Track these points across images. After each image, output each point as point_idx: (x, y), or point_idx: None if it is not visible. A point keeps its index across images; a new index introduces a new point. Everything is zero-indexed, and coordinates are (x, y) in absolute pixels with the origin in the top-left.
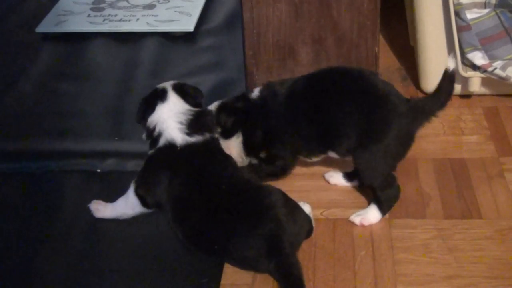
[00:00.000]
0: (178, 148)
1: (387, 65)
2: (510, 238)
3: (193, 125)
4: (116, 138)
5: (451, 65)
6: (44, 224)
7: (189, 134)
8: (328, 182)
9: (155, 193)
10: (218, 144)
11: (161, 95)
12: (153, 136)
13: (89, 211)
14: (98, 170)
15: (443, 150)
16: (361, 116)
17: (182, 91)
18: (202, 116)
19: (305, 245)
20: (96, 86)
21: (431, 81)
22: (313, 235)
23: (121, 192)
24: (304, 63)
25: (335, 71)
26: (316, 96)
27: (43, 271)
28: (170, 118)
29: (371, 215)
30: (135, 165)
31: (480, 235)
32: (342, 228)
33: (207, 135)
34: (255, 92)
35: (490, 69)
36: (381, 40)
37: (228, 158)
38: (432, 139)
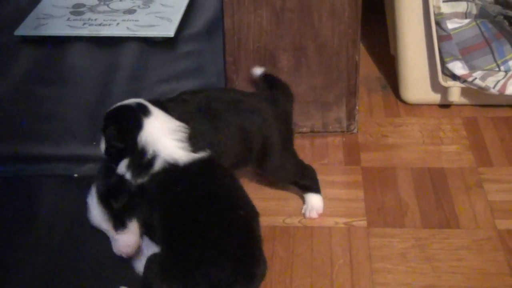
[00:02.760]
0: (181, 168)
1: (367, 74)
2: (488, 249)
3: (193, 140)
4: (94, 143)
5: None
6: (20, 229)
7: (192, 150)
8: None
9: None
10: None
11: (142, 110)
12: (143, 160)
13: (65, 216)
14: (75, 175)
15: (422, 160)
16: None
17: (160, 105)
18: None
19: (282, 252)
20: (75, 90)
21: (411, 90)
22: (291, 242)
23: None
24: (285, 70)
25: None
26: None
27: (18, 278)
28: (166, 136)
29: (315, 202)
30: None
31: (458, 245)
32: (320, 236)
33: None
34: None
35: (470, 79)
36: (362, 48)
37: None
38: (411, 148)
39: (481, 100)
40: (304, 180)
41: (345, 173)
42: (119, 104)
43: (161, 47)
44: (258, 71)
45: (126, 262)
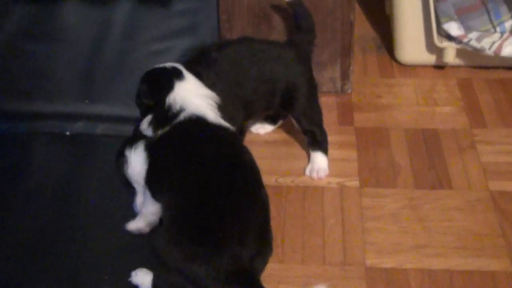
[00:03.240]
0: (209, 123)
1: (362, 34)
2: (480, 209)
3: (221, 112)
4: (86, 101)
5: None
6: (11, 187)
7: (221, 117)
8: (259, 134)
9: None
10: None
11: (176, 73)
12: (168, 114)
13: (57, 174)
14: (67, 133)
15: (416, 120)
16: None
17: (196, 72)
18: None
19: (274, 212)
20: (67, 47)
21: (406, 51)
22: (283, 202)
23: (90, 155)
24: (279, 29)
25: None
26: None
27: (8, 233)
28: (199, 98)
29: (321, 161)
30: (104, 129)
31: (450, 205)
32: (312, 196)
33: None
34: None
35: (465, 40)
36: (357, 8)
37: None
38: (405, 109)
39: (476, 61)
40: (320, 135)
41: (338, 133)
42: (157, 65)
43: (154, 5)
44: None
45: (119, 219)
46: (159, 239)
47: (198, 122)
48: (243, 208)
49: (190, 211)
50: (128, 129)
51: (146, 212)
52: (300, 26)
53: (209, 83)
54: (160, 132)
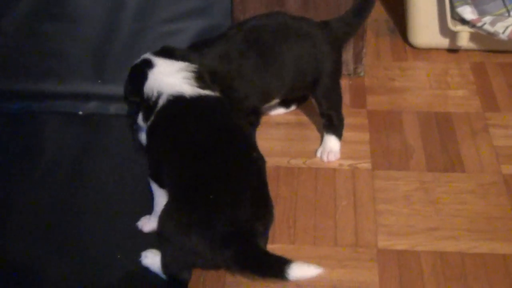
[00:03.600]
0: (188, 99)
1: (374, 17)
2: (492, 193)
3: (200, 79)
4: (99, 81)
5: None
6: (24, 165)
7: (199, 87)
8: (270, 115)
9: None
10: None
11: (146, 64)
12: (150, 104)
13: (70, 153)
14: (80, 113)
15: (429, 104)
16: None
17: (167, 52)
18: (203, 71)
19: (286, 193)
20: (80, 28)
21: (419, 34)
22: (295, 183)
23: (103, 135)
24: (292, 11)
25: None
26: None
27: (21, 212)
28: (171, 75)
29: (334, 144)
30: (117, 109)
31: (462, 188)
32: (324, 177)
33: (217, 93)
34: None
35: (479, 24)
36: None
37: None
38: (418, 92)
39: (489, 45)
40: (337, 120)
41: (351, 115)
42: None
43: None
44: None
45: (131, 198)
46: (160, 218)
47: (175, 102)
48: (233, 172)
49: (183, 185)
50: None
51: (159, 210)
52: (355, 14)
53: (198, 62)
54: (148, 124)
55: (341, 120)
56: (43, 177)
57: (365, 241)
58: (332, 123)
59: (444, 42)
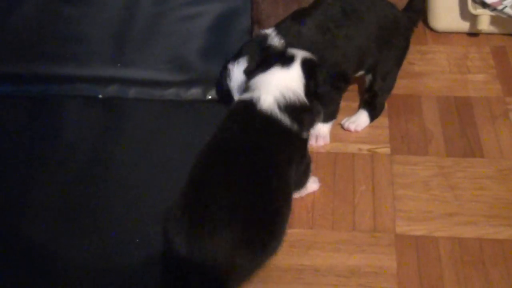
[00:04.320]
0: (257, 109)
1: (394, 1)
2: (511, 178)
3: (291, 110)
4: (118, 65)
5: None
6: (44, 148)
7: (281, 110)
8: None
9: None
10: (301, 144)
11: (285, 59)
12: (246, 89)
13: (89, 137)
14: (100, 96)
15: (448, 88)
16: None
17: (310, 69)
18: (307, 111)
19: None
20: (100, 11)
21: (439, 17)
22: (314, 168)
23: (122, 119)
24: None
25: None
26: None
27: (40, 195)
28: (277, 87)
29: (363, 119)
30: (137, 92)
31: (481, 174)
32: (343, 162)
33: (295, 126)
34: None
35: (500, 7)
36: None
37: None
38: (438, 76)
39: (510, 29)
40: (380, 101)
41: None
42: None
43: None
44: None
45: (151, 184)
46: None
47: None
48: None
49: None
50: (160, 93)
51: None
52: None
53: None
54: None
55: (382, 105)
56: (63, 162)
57: (383, 226)
58: (374, 101)
59: (465, 26)
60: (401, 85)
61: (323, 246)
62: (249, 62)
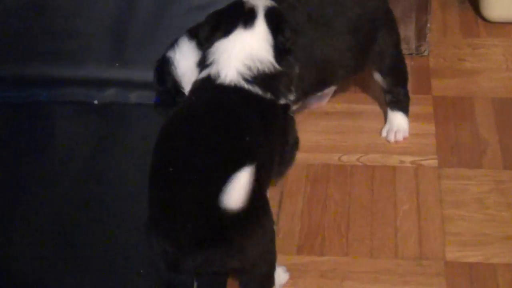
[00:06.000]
0: (217, 84)
1: None
2: None
3: (261, 80)
4: (117, 64)
5: None
6: (34, 160)
7: (249, 82)
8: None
9: None
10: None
11: (245, 17)
12: (203, 64)
13: (84, 148)
14: (96, 102)
15: (505, 88)
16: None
17: (276, 23)
18: (280, 77)
19: (337, 195)
20: (94, 2)
21: (493, 5)
22: (348, 184)
23: (122, 127)
24: None
25: None
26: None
27: (27, 215)
28: (239, 58)
29: (402, 122)
30: (138, 97)
31: None
32: (382, 177)
33: (268, 95)
34: None
35: None
36: None
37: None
38: (492, 75)
39: None
40: (403, 95)
41: (413, 103)
42: None
43: None
44: None
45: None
46: None
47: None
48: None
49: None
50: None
51: None
52: None
53: None
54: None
55: (407, 95)
56: (54, 176)
57: (431, 252)
58: (398, 99)
59: None
60: (449, 85)
61: (360, 276)
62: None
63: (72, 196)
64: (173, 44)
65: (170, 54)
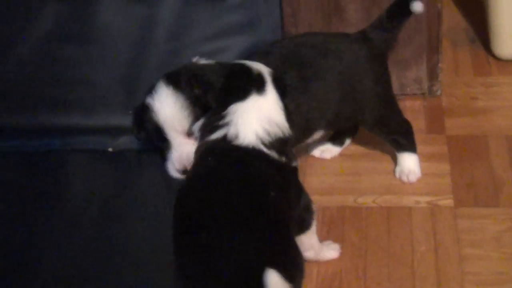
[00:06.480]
0: (234, 145)
1: (452, 25)
2: None
3: (278, 144)
4: (130, 112)
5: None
6: (47, 210)
7: (267, 147)
8: (325, 158)
9: None
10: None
11: (257, 83)
12: (215, 125)
13: (98, 197)
14: (110, 149)
15: None
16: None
17: (281, 88)
18: (291, 140)
19: (354, 237)
20: (106, 51)
21: (505, 43)
22: (364, 225)
23: (136, 174)
24: (353, 22)
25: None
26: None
27: (44, 265)
28: (257, 121)
29: (411, 163)
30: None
31: None
32: (398, 218)
33: (283, 158)
34: None
35: None
36: None
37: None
38: (506, 112)
39: None
40: (404, 139)
41: (427, 143)
42: (239, 61)
43: None
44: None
45: (163, 244)
46: None
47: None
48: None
49: None
50: None
51: None
52: (390, 17)
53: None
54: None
55: (409, 137)
56: (68, 226)
57: None
58: (399, 143)
59: None
60: (463, 124)
61: None
62: (207, 84)
63: (88, 244)
64: (150, 90)
65: (149, 100)
